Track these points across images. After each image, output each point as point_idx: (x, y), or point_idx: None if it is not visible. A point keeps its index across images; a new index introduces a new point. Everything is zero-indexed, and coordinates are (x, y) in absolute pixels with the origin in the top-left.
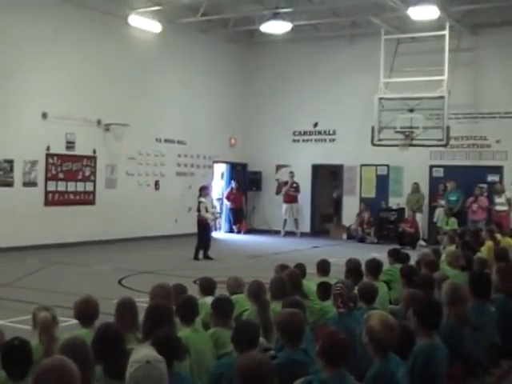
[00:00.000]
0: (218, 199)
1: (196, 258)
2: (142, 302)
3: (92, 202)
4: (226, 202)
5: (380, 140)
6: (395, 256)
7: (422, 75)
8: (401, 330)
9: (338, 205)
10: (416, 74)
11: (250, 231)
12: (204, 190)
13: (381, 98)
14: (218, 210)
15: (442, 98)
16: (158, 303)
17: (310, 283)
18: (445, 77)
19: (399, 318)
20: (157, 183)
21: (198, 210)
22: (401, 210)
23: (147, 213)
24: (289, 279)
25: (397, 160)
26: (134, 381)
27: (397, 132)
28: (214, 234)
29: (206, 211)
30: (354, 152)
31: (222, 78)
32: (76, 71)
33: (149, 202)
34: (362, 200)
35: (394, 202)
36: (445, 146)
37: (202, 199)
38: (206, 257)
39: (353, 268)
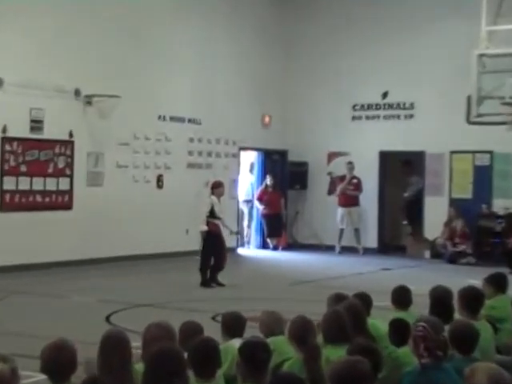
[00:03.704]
0: (247, 201)
1: (205, 283)
2: (138, 348)
3: (68, 207)
4: (258, 206)
5: (480, 116)
6: (498, 284)
7: None
8: None
9: (412, 208)
10: None
11: (291, 247)
12: (218, 188)
13: (481, 55)
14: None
15: None
16: (164, 348)
17: (377, 321)
18: None
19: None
20: (160, 179)
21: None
22: (510, 218)
23: (146, 221)
24: (348, 315)
25: (504, 144)
26: None
27: (504, 104)
28: (242, 251)
29: (214, 217)
30: (441, 133)
31: (252, 35)
32: (45, 22)
33: (148, 205)
34: (452, 202)
35: (500, 205)
36: None
37: (213, 198)
38: (214, 280)
39: (440, 300)
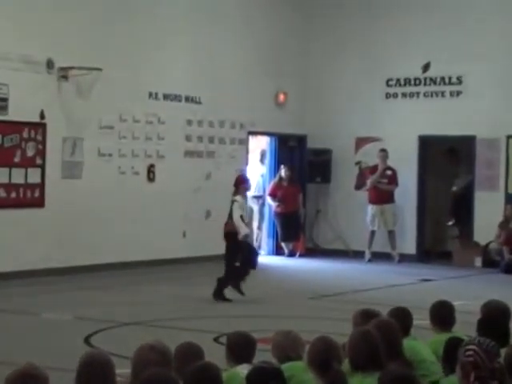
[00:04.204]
0: (257, 197)
1: (219, 295)
2: (125, 376)
3: (39, 204)
4: (271, 203)
5: None
6: None
7: None
8: None
9: (460, 206)
10: None
11: (310, 252)
12: (243, 184)
13: None
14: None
15: None
16: (156, 375)
17: (418, 344)
18: None
19: None
20: (151, 170)
21: (230, 217)
22: None
23: (135, 221)
24: (380, 336)
25: None
26: None
27: None
28: None
29: (243, 220)
30: (496, 114)
31: None
32: None
33: (137, 202)
34: (509, 199)
35: None
36: None
37: (237, 198)
38: (237, 287)
39: (494, 319)
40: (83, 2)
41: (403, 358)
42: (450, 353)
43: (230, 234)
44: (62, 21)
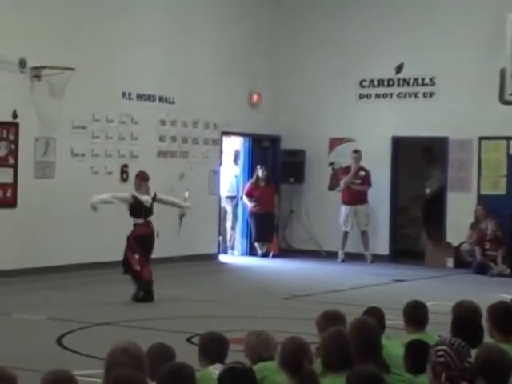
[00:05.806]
0: (230, 198)
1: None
2: (96, 377)
3: (11, 204)
4: (247, 203)
5: None
6: None
7: None
8: None
9: (433, 207)
10: None
11: (283, 253)
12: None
13: None
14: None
15: None
16: (123, 376)
17: (390, 343)
18: None
19: None
20: (124, 170)
21: None
22: None
23: (108, 222)
24: (359, 335)
25: None
26: None
27: None
28: (224, 258)
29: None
30: (468, 115)
31: None
32: None
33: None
34: (481, 200)
35: None
36: None
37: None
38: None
39: (466, 319)
40: (56, 1)
41: (381, 358)
42: (413, 354)
43: None
44: (35, 20)
